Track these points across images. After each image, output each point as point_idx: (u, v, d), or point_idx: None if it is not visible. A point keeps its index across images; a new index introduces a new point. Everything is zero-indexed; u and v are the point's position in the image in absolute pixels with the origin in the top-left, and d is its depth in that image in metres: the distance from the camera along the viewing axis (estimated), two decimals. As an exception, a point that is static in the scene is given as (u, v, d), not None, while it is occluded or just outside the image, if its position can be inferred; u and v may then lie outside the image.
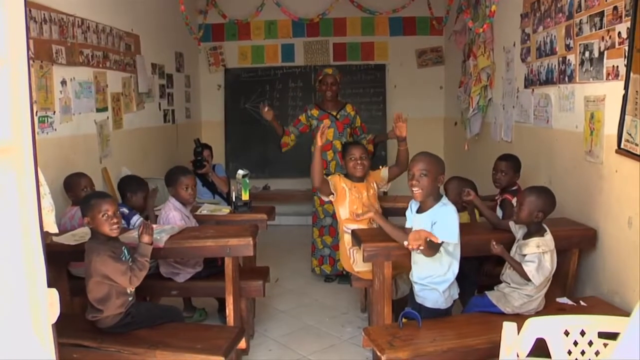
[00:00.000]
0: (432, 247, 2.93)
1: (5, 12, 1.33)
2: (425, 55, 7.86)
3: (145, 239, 2.99)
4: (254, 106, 7.80)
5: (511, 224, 3.23)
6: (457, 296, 3.16)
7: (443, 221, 2.95)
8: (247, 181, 4.37)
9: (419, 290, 3.13)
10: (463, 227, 3.49)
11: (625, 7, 2.95)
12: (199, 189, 5.28)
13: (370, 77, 7.79)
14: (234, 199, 4.42)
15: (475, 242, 3.26)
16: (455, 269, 3.05)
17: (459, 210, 3.81)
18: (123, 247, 3.05)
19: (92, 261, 2.89)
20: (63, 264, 3.44)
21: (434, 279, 3.05)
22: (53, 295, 1.53)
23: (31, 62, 3.52)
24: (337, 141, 5.13)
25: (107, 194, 3.14)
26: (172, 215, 3.83)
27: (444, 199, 3.07)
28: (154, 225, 3.34)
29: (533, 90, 4.33)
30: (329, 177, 4.12)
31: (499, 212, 3.84)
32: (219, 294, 3.68)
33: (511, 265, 3.02)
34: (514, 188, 3.89)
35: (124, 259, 2.98)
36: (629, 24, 2.88)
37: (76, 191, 3.79)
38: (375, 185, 4.14)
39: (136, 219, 3.86)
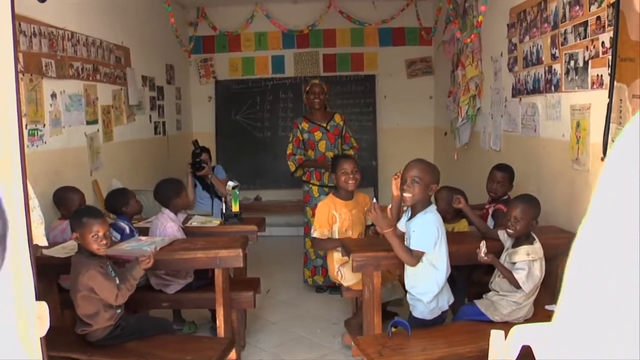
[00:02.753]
0: (411, 256, 2.96)
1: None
2: (414, 65, 7.91)
3: (145, 265, 2.97)
4: (245, 117, 7.83)
5: (500, 232, 3.24)
6: (446, 307, 3.16)
7: (419, 231, 2.98)
8: (237, 193, 4.38)
9: (410, 298, 3.15)
10: (454, 236, 3.51)
11: (607, 17, 3.00)
12: (198, 193, 5.27)
13: (360, 88, 7.82)
14: (224, 211, 4.42)
15: (465, 251, 3.27)
16: (439, 280, 3.05)
17: (451, 219, 3.87)
18: (108, 263, 3.05)
19: (79, 275, 2.88)
20: (53, 276, 3.43)
21: (418, 289, 3.07)
22: (42, 308, 1.53)
23: (21, 75, 3.53)
24: (329, 152, 5.15)
25: (99, 212, 3.12)
26: (170, 226, 3.83)
27: (430, 208, 3.08)
28: (143, 238, 3.34)
29: (520, 99, 4.37)
30: (319, 210, 4.12)
31: (490, 222, 3.86)
32: (210, 305, 3.69)
33: (502, 273, 3.04)
34: (505, 198, 3.91)
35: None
36: (611, 33, 2.93)
37: (68, 206, 3.75)
38: (363, 206, 4.17)
39: (136, 234, 3.86)
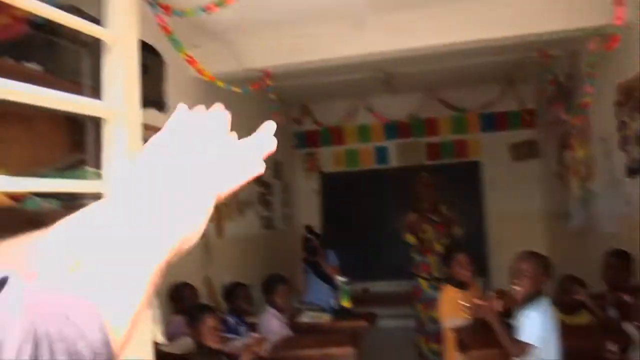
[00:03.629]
0: (516, 346, 2.88)
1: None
2: (519, 149, 7.72)
3: (248, 356, 3.02)
4: (350, 209, 7.89)
5: (626, 325, 3.02)
6: None
7: (527, 323, 2.89)
8: (347, 288, 4.39)
9: None
10: (575, 330, 3.32)
11: None
12: (311, 279, 5.29)
13: (464, 175, 7.72)
14: (335, 306, 4.42)
15: (589, 348, 3.08)
16: None
17: (572, 310, 3.66)
18: (223, 359, 3.11)
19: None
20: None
21: None
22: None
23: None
24: (437, 244, 5.11)
25: (210, 308, 3.24)
26: (275, 324, 3.87)
27: (541, 300, 2.97)
28: (255, 335, 3.39)
29: (636, 178, 4.16)
30: (446, 302, 4.10)
31: (612, 311, 3.61)
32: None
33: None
34: (629, 284, 3.66)
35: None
36: None
37: (183, 301, 3.90)
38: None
39: (243, 330, 3.92)
